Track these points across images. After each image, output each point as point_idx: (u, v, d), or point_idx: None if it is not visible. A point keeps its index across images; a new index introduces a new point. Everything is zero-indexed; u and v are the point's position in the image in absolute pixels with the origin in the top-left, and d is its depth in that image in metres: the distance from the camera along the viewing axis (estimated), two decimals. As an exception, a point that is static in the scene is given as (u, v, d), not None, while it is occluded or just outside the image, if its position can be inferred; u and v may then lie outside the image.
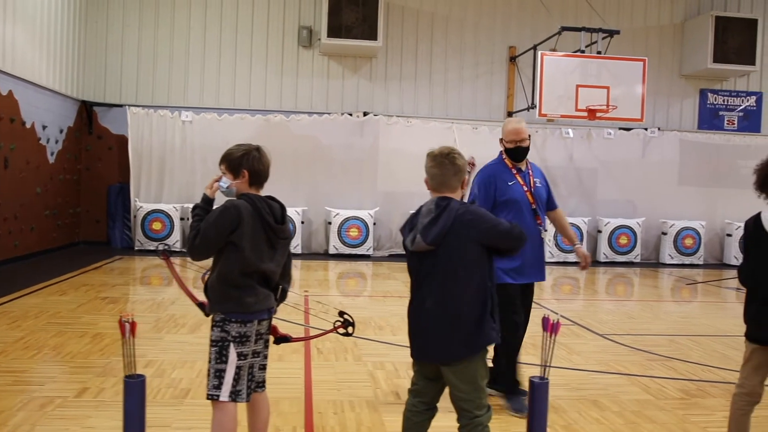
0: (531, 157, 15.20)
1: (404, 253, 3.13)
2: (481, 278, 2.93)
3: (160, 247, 3.50)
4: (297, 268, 11.35)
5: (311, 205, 13.10)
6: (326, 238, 13.11)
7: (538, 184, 4.53)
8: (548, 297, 9.59)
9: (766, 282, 3.36)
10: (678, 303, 9.82)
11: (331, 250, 12.81)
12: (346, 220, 12.82)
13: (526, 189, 4.44)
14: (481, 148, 13.22)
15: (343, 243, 12.80)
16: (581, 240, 13.06)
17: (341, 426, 4.04)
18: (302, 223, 12.86)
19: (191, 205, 3.05)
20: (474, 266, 2.93)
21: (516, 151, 4.46)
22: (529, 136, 4.51)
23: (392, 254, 12.97)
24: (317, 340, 6.03)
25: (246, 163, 3.15)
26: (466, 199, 3.21)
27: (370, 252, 12.93)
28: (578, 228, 13.09)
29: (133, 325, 2.76)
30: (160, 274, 9.80)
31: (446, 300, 2.93)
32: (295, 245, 12.66)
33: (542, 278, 4.56)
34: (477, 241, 2.93)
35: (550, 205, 4.67)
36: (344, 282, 10.54)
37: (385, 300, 8.71)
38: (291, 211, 12.62)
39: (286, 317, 6.71)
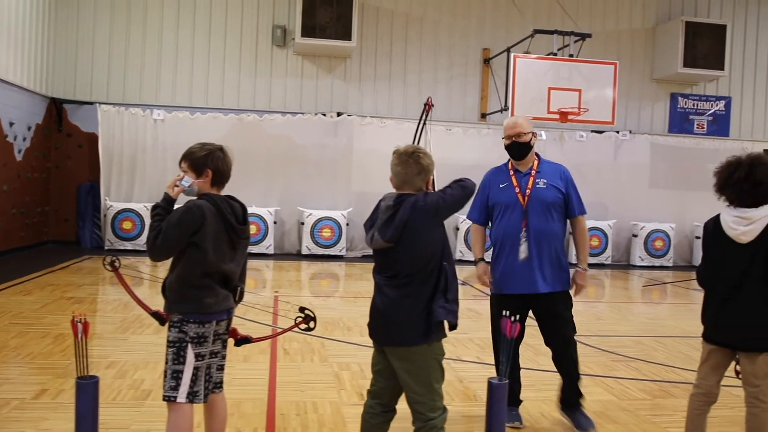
0: (503, 158, 14.91)
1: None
2: (440, 262, 2.99)
3: (107, 260, 3.45)
4: (269, 268, 11.29)
5: (284, 205, 13.03)
6: (299, 239, 13.06)
7: (540, 185, 4.12)
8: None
9: (724, 283, 3.41)
10: (646, 304, 9.93)
11: (304, 251, 12.76)
12: (319, 220, 12.77)
13: (518, 191, 4.12)
14: (454, 149, 13.31)
15: (316, 243, 12.75)
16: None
17: (303, 427, 4.01)
18: (275, 223, 12.79)
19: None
20: (433, 254, 2.97)
21: (510, 147, 4.18)
22: (534, 133, 4.19)
23: (365, 255, 12.94)
24: (285, 341, 6.00)
25: (211, 162, 3.12)
26: None
27: (343, 253, 12.90)
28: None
29: (85, 325, 2.71)
30: (129, 275, 9.67)
31: (406, 290, 2.98)
32: (268, 245, 12.60)
33: (532, 290, 4.06)
34: (436, 225, 3.01)
35: (569, 212, 4.21)
36: (316, 283, 10.50)
37: (356, 301, 8.70)
38: (264, 211, 12.57)
39: (254, 318, 6.68)
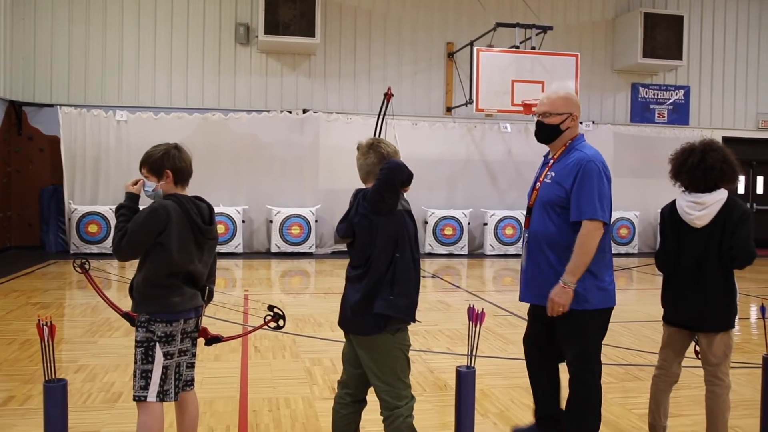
0: (470, 151, 14.97)
1: (346, 250, 3.17)
2: (391, 254, 2.97)
3: (77, 262, 3.44)
4: (239, 267, 11.25)
5: (252, 204, 12.98)
6: (268, 237, 13.02)
7: (547, 180, 3.42)
8: (489, 289, 9.77)
9: (681, 267, 3.51)
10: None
11: (273, 249, 12.73)
12: (288, 218, 12.75)
13: (534, 184, 3.56)
14: (421, 143, 13.38)
15: (285, 241, 12.73)
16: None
17: (275, 423, 4.04)
18: (243, 222, 12.73)
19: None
20: (380, 247, 2.96)
21: (535, 127, 3.55)
22: (573, 115, 3.42)
23: (335, 251, 12.95)
24: (256, 339, 6.01)
25: (168, 162, 3.11)
26: None
27: (313, 249, 12.90)
28: (518, 220, 13.32)
29: (51, 328, 2.69)
30: (97, 277, 9.53)
31: (356, 282, 3.02)
32: (237, 244, 12.54)
33: (535, 300, 3.49)
34: (381, 216, 2.95)
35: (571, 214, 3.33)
36: (287, 280, 10.48)
37: (326, 297, 8.72)
38: (231, 210, 12.50)
39: (224, 317, 6.67)
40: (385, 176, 2.89)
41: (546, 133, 3.47)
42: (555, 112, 3.41)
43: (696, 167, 3.42)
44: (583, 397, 3.42)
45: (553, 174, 3.40)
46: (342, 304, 3.12)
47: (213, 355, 5.40)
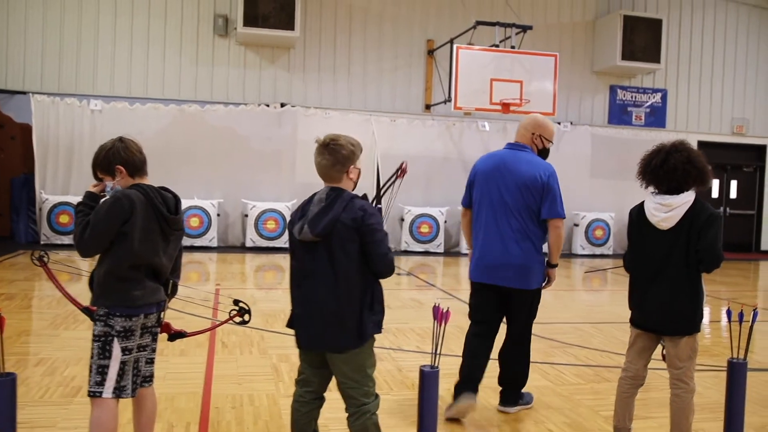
0: (447, 149, 15.17)
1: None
2: (366, 269, 2.91)
3: (35, 254, 3.36)
4: (212, 261, 11.12)
5: (227, 198, 12.85)
6: (243, 231, 12.90)
7: None
8: (463, 287, 9.76)
9: (647, 269, 3.49)
10: (587, 292, 10.17)
11: (248, 243, 12.62)
12: (263, 212, 12.64)
13: None
14: (399, 140, 13.35)
15: (260, 236, 12.62)
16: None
17: (237, 420, 3.96)
18: (218, 215, 12.60)
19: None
20: (359, 257, 2.90)
21: (546, 152, 4.37)
22: (537, 136, 4.39)
23: (311, 247, 12.85)
24: (223, 335, 5.93)
25: (114, 158, 3.02)
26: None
27: (287, 245, 12.78)
28: (494, 220, 13.32)
29: (0, 320, 2.60)
30: (66, 269, 9.35)
31: (333, 291, 2.90)
32: (211, 238, 12.41)
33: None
34: (357, 240, 2.89)
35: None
36: (260, 275, 10.39)
37: (299, 292, 8.62)
38: (207, 204, 12.36)
39: (193, 311, 6.56)
40: (384, 271, 2.95)
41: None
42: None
43: (659, 168, 3.41)
44: None
45: None
46: (307, 320, 2.98)
47: (178, 350, 5.31)
